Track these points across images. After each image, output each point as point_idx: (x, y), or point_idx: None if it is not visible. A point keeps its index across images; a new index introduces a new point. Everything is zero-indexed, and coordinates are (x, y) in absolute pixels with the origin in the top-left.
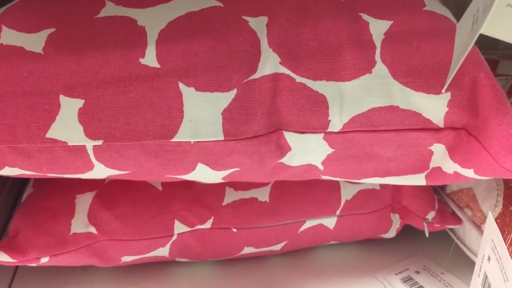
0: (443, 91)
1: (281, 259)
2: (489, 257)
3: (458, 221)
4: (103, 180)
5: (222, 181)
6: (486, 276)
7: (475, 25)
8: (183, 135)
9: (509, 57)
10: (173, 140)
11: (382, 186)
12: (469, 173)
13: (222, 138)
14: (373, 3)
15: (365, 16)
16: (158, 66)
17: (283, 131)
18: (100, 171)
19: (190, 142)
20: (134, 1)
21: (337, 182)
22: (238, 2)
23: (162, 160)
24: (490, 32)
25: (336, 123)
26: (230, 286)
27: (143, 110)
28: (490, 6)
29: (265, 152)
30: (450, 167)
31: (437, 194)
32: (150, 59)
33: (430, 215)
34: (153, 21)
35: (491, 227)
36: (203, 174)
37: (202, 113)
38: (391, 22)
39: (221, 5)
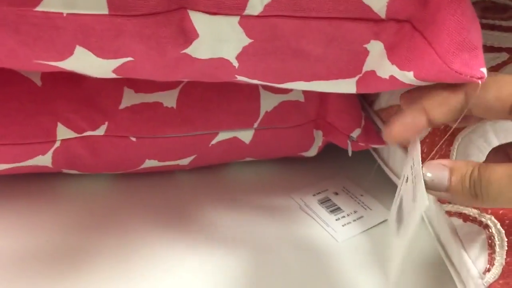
0: None
1: (190, 175)
2: (407, 177)
3: (384, 141)
4: None
5: (115, 76)
6: (402, 198)
7: None
8: (52, 4)
9: None
10: (38, 9)
11: (307, 98)
12: (408, 76)
13: (107, 12)
14: None
15: None
16: None
17: (189, 10)
18: None
19: (62, 13)
20: None
21: (257, 91)
22: None
23: (26, 38)
24: None
25: (256, 2)
26: (128, 204)
27: None
28: None
29: (165, 37)
30: (387, 69)
31: (365, 111)
32: None
33: (355, 133)
34: None
35: (414, 145)
36: (86, 62)
37: None
38: None
39: None
